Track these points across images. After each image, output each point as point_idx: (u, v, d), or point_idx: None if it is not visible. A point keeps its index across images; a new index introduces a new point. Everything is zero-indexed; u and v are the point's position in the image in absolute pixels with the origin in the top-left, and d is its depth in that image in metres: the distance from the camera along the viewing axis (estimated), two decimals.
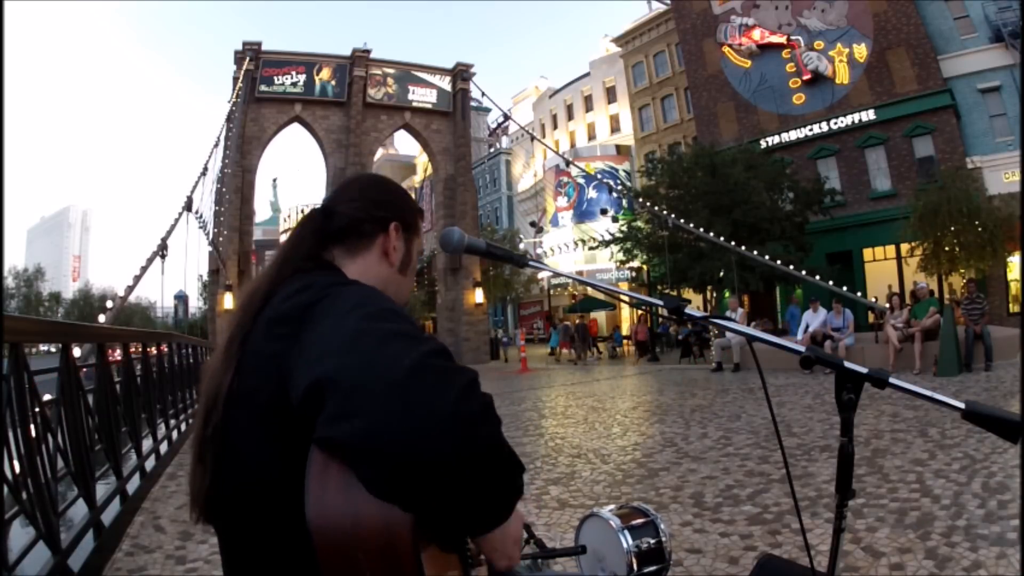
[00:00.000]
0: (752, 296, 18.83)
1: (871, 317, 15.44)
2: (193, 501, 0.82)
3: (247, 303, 0.83)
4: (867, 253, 20.68)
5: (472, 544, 0.80)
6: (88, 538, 2.83)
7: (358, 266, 0.91)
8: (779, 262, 15.90)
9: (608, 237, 22.05)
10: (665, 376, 11.44)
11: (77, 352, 3.32)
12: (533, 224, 33.22)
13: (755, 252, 16.14)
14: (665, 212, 18.46)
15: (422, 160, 37.76)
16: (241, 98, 21.15)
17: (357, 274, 0.89)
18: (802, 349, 0.88)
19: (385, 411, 0.59)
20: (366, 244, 0.93)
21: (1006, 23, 18.00)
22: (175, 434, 6.06)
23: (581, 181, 31.11)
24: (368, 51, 23.39)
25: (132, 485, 3.91)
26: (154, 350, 5.97)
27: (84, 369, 3.61)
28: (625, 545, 1.56)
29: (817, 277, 15.46)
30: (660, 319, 12.56)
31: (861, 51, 20.85)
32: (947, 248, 15.95)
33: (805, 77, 22.10)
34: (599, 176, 26.75)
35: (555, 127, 37.86)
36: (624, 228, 22.06)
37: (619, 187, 25.91)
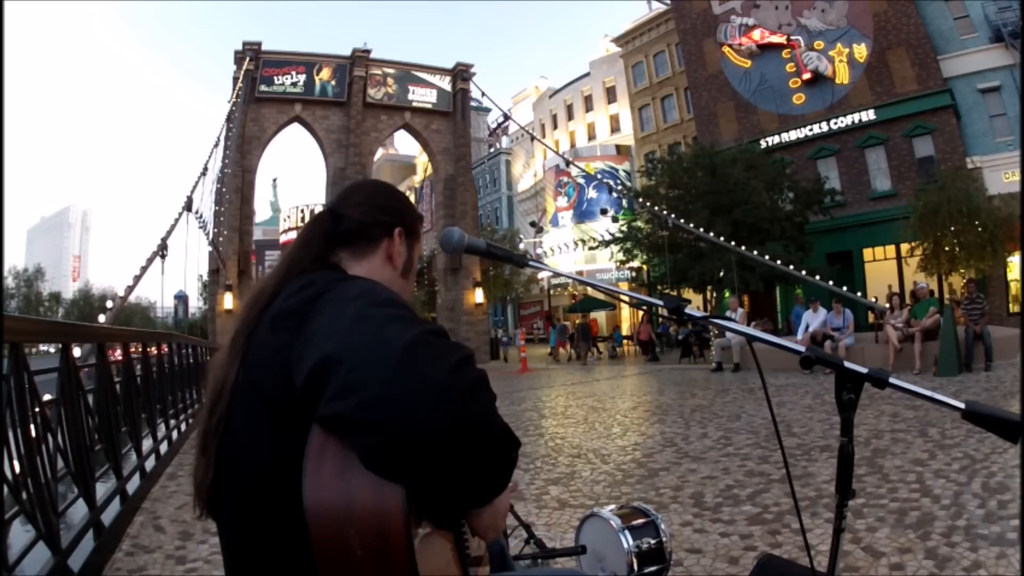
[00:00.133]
0: (752, 296, 18.83)
1: (871, 317, 15.43)
2: (197, 494, 0.84)
3: (254, 301, 0.86)
4: (867, 253, 20.69)
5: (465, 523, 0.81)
6: (88, 538, 2.83)
7: (363, 268, 0.94)
8: (779, 262, 15.90)
9: (608, 237, 22.05)
10: (665, 376, 11.44)
11: (77, 352, 3.32)
12: (533, 224, 33.21)
13: (755, 252, 16.14)
14: (665, 212, 18.46)
15: (422, 160, 37.78)
16: (241, 98, 21.14)
17: (362, 276, 0.91)
18: (802, 349, 0.88)
19: (382, 384, 0.61)
20: (372, 248, 0.95)
21: (1006, 23, 18.00)
22: (175, 434, 6.06)
23: (581, 181, 31.11)
24: (368, 51, 23.39)
25: (132, 485, 3.90)
26: (154, 350, 5.97)
27: (84, 369, 3.61)
28: (626, 545, 1.56)
29: (817, 277, 15.46)
30: (660, 319, 12.56)
31: (861, 51, 20.85)
32: (947, 248, 15.96)
33: (805, 77, 22.10)
34: (599, 176, 26.75)
35: (555, 127, 37.86)
36: (624, 228, 22.06)
37: (619, 187, 25.91)
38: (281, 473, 0.71)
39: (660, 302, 1.05)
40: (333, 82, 22.99)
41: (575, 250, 28.46)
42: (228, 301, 19.81)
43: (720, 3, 24.61)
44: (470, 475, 0.65)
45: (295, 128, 23.38)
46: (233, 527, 0.81)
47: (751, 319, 16.62)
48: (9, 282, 39.31)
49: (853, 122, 20.86)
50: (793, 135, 22.29)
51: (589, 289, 22.53)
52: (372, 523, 0.63)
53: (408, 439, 0.61)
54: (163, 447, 5.33)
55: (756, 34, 23.41)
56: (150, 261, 17.09)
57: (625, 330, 26.02)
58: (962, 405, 0.76)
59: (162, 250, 17.41)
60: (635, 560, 1.55)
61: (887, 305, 9.93)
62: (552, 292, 32.77)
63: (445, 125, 24.58)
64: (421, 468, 0.62)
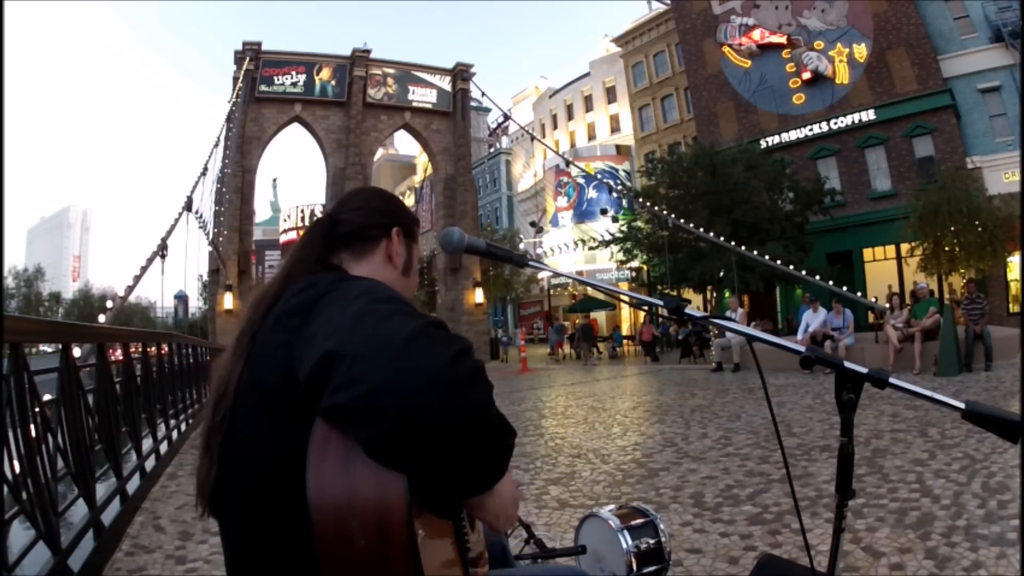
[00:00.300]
0: (752, 296, 18.84)
1: (871, 317, 15.44)
2: (200, 493, 0.85)
3: (258, 302, 0.88)
4: (867, 253, 20.69)
5: (469, 519, 0.82)
6: (88, 538, 2.83)
7: (364, 269, 0.96)
8: (779, 262, 15.91)
9: (608, 237, 22.06)
10: (665, 376, 11.44)
11: (77, 352, 3.32)
12: (533, 224, 33.21)
13: (755, 252, 16.15)
14: (665, 212, 18.46)
15: (422, 160, 37.77)
16: (241, 98, 21.15)
17: (364, 276, 0.92)
18: (802, 349, 0.88)
19: (383, 374, 0.63)
20: (372, 248, 0.98)
21: (1006, 23, 18.00)
22: (175, 434, 6.05)
23: (581, 181, 31.11)
24: (368, 51, 23.39)
25: (132, 485, 3.90)
26: (154, 350, 5.96)
27: (84, 369, 3.61)
28: (624, 545, 1.56)
29: (817, 277, 15.46)
30: (660, 319, 12.57)
31: (861, 51, 20.85)
32: (947, 248, 15.96)
33: (805, 77, 22.10)
34: (599, 176, 26.75)
35: (555, 127, 37.86)
36: (624, 228, 22.06)
37: (619, 187, 25.91)
38: (284, 469, 0.72)
39: (660, 302, 1.05)
40: (333, 82, 23.00)
41: (575, 250, 28.46)
42: (228, 301, 19.82)
43: (720, 3, 24.61)
44: (468, 461, 0.66)
45: (295, 128, 23.38)
46: (235, 524, 0.81)
47: (751, 319, 16.62)
48: (9, 282, 39.33)
49: (853, 122, 20.87)
50: (793, 135, 22.29)
51: (589, 289, 22.53)
52: (374, 514, 0.64)
53: (408, 426, 0.63)
54: (163, 447, 5.32)
55: (756, 34, 23.41)
56: (150, 261, 17.10)
57: (625, 330, 26.02)
58: (962, 405, 0.76)
59: (162, 250, 17.42)
60: (634, 560, 1.55)
61: (887, 305, 9.93)
62: (552, 292, 32.77)
63: (445, 125, 24.59)
64: (421, 455, 0.64)
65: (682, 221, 17.69)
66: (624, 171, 30.91)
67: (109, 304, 17.97)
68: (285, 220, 52.90)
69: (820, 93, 21.80)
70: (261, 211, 49.41)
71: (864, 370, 0.83)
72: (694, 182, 19.16)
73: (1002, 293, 17.98)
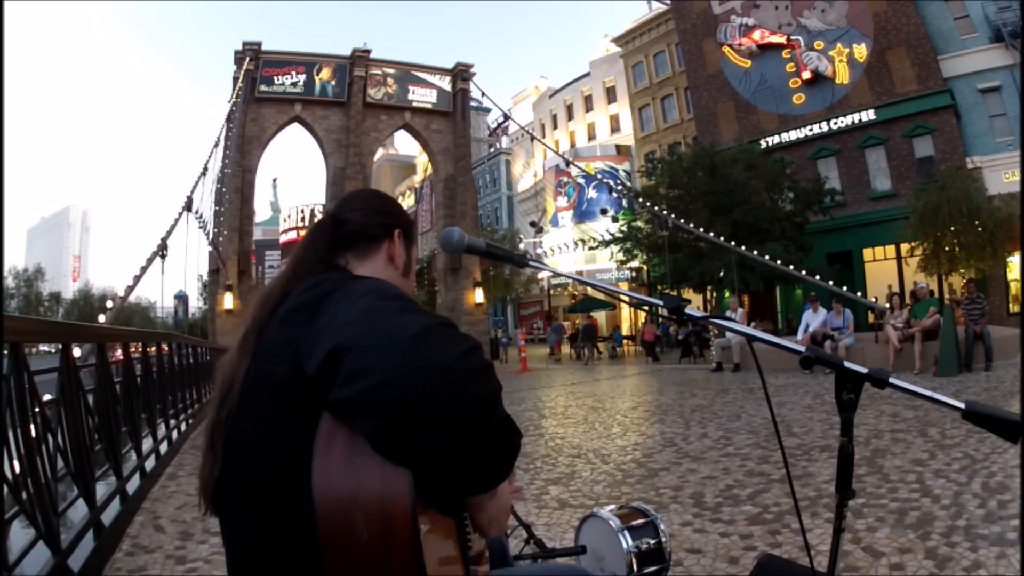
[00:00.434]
0: (752, 296, 18.84)
1: (871, 317, 15.44)
2: (203, 490, 0.85)
3: (264, 300, 0.88)
4: (867, 253, 20.69)
5: (468, 519, 0.82)
6: (88, 538, 2.83)
7: (367, 269, 0.97)
8: (779, 262, 15.91)
9: (608, 237, 22.06)
10: (665, 376, 11.44)
11: (77, 352, 3.32)
12: (533, 224, 33.22)
13: (755, 252, 16.15)
14: (665, 212, 18.46)
15: (422, 160, 37.76)
16: (241, 98, 21.14)
17: (367, 275, 0.93)
18: (802, 349, 0.88)
19: (391, 367, 0.64)
20: (374, 249, 0.99)
21: (1006, 23, 18.00)
22: (175, 434, 6.05)
23: (581, 181, 31.11)
24: (368, 51, 23.38)
25: (132, 485, 3.90)
26: (154, 350, 5.96)
27: (84, 369, 3.61)
28: (625, 545, 1.56)
29: (817, 277, 15.46)
30: (660, 319, 12.57)
31: (861, 51, 20.85)
32: (947, 248, 15.96)
33: (805, 77, 22.11)
34: (599, 176, 26.75)
35: (555, 127, 37.86)
36: (624, 228, 22.07)
37: (619, 187, 25.91)
38: (289, 464, 0.72)
39: (660, 302, 1.05)
40: (333, 82, 22.99)
41: (575, 250, 28.46)
42: (228, 301, 19.81)
43: (720, 3, 24.61)
44: (474, 457, 0.67)
45: (295, 128, 23.38)
46: (238, 520, 0.81)
47: (751, 319, 16.61)
48: (9, 282, 39.32)
49: (853, 122, 20.87)
50: (793, 135, 22.29)
51: (589, 289, 22.53)
52: (378, 508, 0.64)
53: (415, 418, 0.63)
54: (163, 447, 5.32)
55: (756, 34, 23.42)
56: (150, 261, 17.10)
57: (625, 330, 26.03)
58: (962, 405, 0.76)
59: (162, 250, 17.42)
60: (635, 560, 1.55)
61: (887, 305, 9.93)
62: (552, 292, 32.78)
63: (445, 125, 24.58)
64: (428, 448, 0.64)
65: (682, 221, 17.69)
66: (624, 171, 30.91)
67: (109, 304, 17.96)
68: (285, 220, 52.90)
69: (820, 93, 21.80)
70: (261, 211, 49.46)
71: (864, 370, 0.83)
72: (694, 182, 19.16)
73: (1002, 293, 17.98)
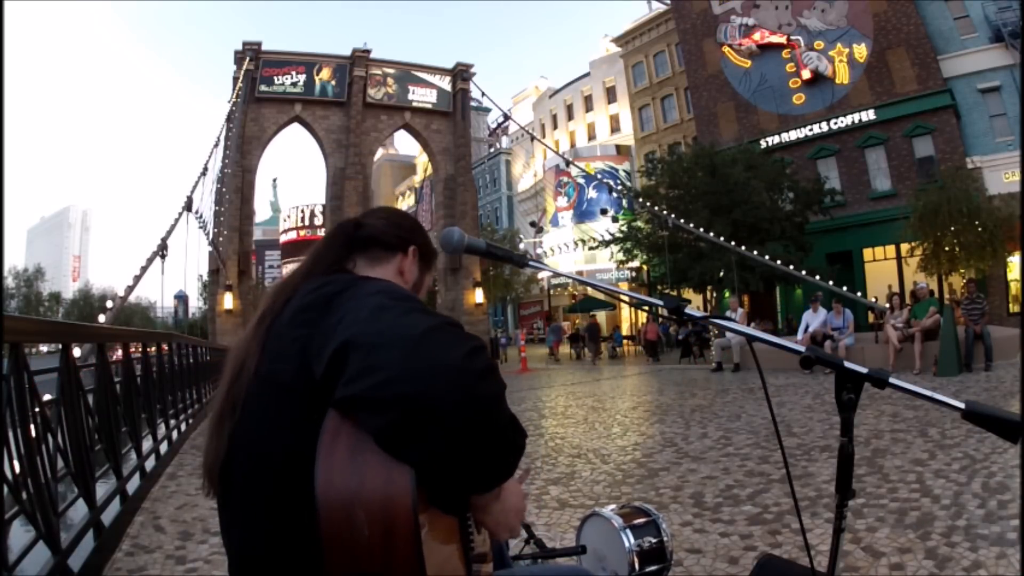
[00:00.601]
0: (752, 296, 18.84)
1: (871, 317, 15.44)
2: (207, 472, 0.86)
3: (279, 290, 0.91)
4: (867, 253, 20.69)
5: (474, 521, 0.82)
6: (88, 538, 2.83)
7: (375, 275, 0.97)
8: (779, 262, 15.91)
9: (608, 237, 22.06)
10: (665, 376, 11.43)
11: (77, 352, 3.32)
12: (533, 224, 33.22)
13: (755, 252, 16.15)
14: (665, 212, 18.46)
15: (422, 160, 37.77)
16: (241, 98, 21.14)
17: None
18: (802, 349, 0.88)
19: (399, 365, 0.65)
20: (387, 258, 1.02)
21: (1006, 23, 18.00)
22: (175, 434, 6.05)
23: (581, 181, 31.12)
24: (368, 51, 23.38)
25: (132, 485, 3.90)
26: (154, 350, 5.96)
27: (84, 369, 3.61)
28: (627, 544, 1.56)
29: (817, 277, 15.46)
30: (660, 319, 12.56)
31: (861, 51, 20.86)
32: (947, 248, 15.96)
33: (805, 77, 22.10)
34: (599, 176, 26.75)
35: (555, 127, 37.86)
36: (624, 228, 22.07)
37: (619, 187, 25.92)
38: (296, 464, 0.72)
39: (660, 302, 1.05)
40: (333, 82, 22.99)
41: (575, 250, 28.46)
42: (228, 301, 19.80)
43: (720, 3, 24.61)
44: (478, 454, 0.67)
45: (295, 128, 23.37)
46: (242, 519, 0.82)
47: (751, 319, 16.61)
48: (9, 282, 39.29)
49: (853, 122, 20.87)
50: (793, 135, 22.29)
51: (589, 289, 22.53)
52: (380, 505, 0.64)
53: (421, 416, 0.63)
54: (163, 447, 5.32)
55: (756, 34, 23.42)
56: (150, 261, 17.09)
57: (625, 330, 26.03)
58: (962, 405, 0.76)
59: (162, 250, 17.41)
60: (636, 559, 1.55)
61: (887, 305, 9.93)
62: (552, 292, 32.79)
63: (445, 125, 24.58)
64: (433, 445, 0.64)
65: (682, 221, 17.69)
66: (624, 171, 30.92)
67: (109, 304, 17.95)
68: (285, 220, 52.86)
69: (820, 93, 21.80)
70: (261, 211, 49.50)
71: (864, 370, 0.83)
72: (694, 182, 19.16)
73: (1002, 293, 17.98)
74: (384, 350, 0.66)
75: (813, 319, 10.03)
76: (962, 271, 16.09)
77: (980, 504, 2.94)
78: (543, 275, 27.49)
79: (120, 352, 4.68)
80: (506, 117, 33.07)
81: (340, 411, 0.68)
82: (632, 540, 1.57)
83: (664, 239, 18.82)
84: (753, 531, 2.85)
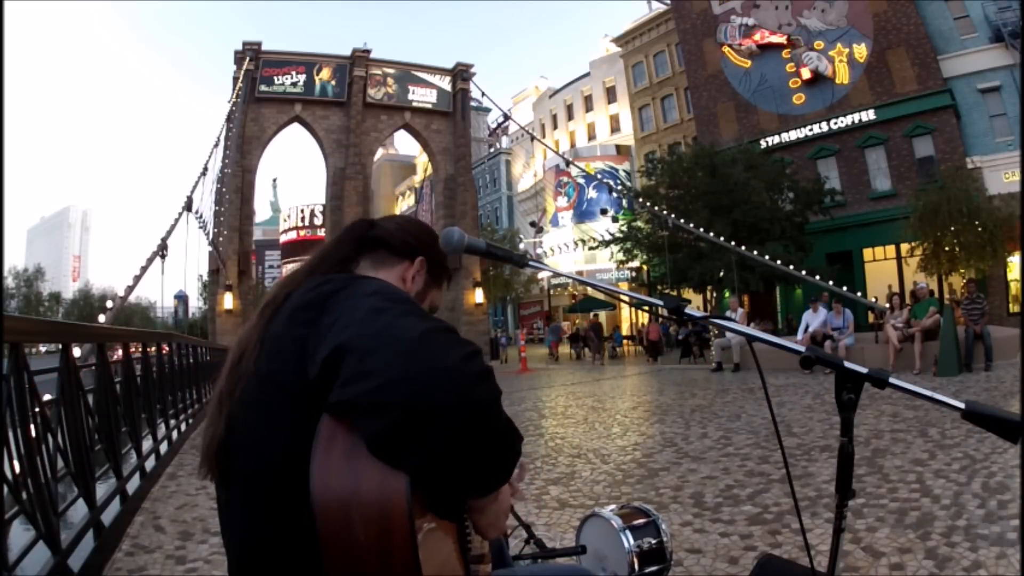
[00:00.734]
0: (752, 296, 18.83)
1: (871, 317, 15.44)
2: (205, 455, 0.86)
3: (284, 284, 0.92)
4: (867, 253, 20.69)
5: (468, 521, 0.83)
6: (88, 538, 2.83)
7: (377, 277, 0.97)
8: (779, 262, 15.90)
9: (608, 237, 22.06)
10: (665, 376, 11.43)
11: (77, 352, 3.32)
12: (533, 224, 33.22)
13: (755, 252, 16.14)
14: (665, 212, 18.46)
15: (422, 160, 37.76)
16: (241, 98, 21.15)
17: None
18: (802, 349, 0.88)
19: (394, 368, 0.64)
20: (392, 262, 1.01)
21: (1006, 23, 18.00)
22: (175, 434, 6.05)
23: (581, 181, 31.12)
24: (368, 51, 23.39)
25: (132, 485, 3.90)
26: (154, 350, 5.96)
27: (84, 369, 3.61)
28: (627, 545, 1.56)
29: (817, 277, 15.46)
30: (660, 319, 12.56)
31: (861, 51, 20.85)
32: (947, 248, 15.96)
33: (805, 77, 22.10)
34: (599, 176, 26.76)
35: (555, 127, 37.86)
36: (624, 228, 22.06)
37: (619, 187, 25.92)
38: (296, 464, 0.72)
39: (660, 302, 1.05)
40: (333, 82, 22.99)
41: (575, 250, 28.46)
42: (228, 301, 19.81)
43: (720, 3, 24.61)
44: (474, 461, 0.67)
45: (295, 128, 23.38)
46: (241, 518, 0.82)
47: (751, 319, 16.61)
48: (9, 282, 39.28)
49: (853, 122, 20.86)
50: (793, 135, 22.29)
51: (589, 289, 22.53)
52: (376, 510, 0.64)
53: (418, 420, 0.63)
54: (163, 447, 5.32)
55: (756, 35, 23.41)
56: (150, 261, 17.09)
57: (625, 330, 26.03)
58: (962, 405, 0.76)
59: (162, 250, 17.41)
60: (636, 560, 1.55)
61: (887, 305, 9.93)
62: (552, 292, 32.78)
63: (445, 125, 24.59)
64: (428, 450, 0.64)
65: (682, 221, 17.69)
66: (624, 171, 30.92)
67: (109, 304, 17.95)
68: (285, 220, 52.86)
69: (820, 93, 21.80)
70: (261, 211, 49.49)
71: (864, 370, 0.83)
72: (694, 182, 19.16)
73: (1002, 293, 17.98)
74: (381, 353, 0.66)
75: (813, 319, 10.04)
76: (962, 271, 16.08)
77: (980, 504, 2.94)
78: (543, 275, 27.49)
79: (120, 352, 4.68)
80: (506, 117, 33.07)
81: (335, 415, 0.67)
82: (632, 541, 1.57)
83: (664, 239, 18.82)
84: (753, 531, 2.85)
